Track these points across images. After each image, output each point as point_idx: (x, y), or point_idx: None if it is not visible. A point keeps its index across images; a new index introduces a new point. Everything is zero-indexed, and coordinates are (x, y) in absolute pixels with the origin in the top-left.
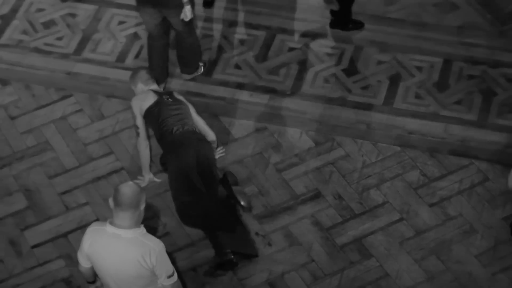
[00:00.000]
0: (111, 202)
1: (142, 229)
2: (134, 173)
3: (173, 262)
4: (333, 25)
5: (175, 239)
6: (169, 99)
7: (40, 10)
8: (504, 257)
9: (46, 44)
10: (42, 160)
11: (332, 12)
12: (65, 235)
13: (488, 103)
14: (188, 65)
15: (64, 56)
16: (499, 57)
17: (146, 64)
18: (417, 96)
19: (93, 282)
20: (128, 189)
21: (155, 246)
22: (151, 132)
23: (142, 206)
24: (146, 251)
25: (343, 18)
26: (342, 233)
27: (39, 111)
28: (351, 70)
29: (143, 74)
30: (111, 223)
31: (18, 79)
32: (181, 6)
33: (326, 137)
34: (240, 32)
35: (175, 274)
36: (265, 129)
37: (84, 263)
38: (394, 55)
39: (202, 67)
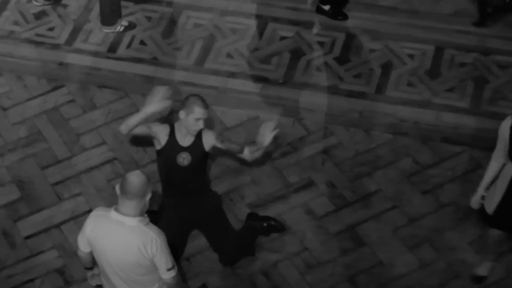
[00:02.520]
0: (117, 189)
1: (146, 219)
2: (127, 163)
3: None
4: (320, 11)
5: None
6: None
7: (31, 1)
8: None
9: (37, 35)
10: (34, 150)
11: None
12: (58, 225)
13: (480, 90)
14: (104, 16)
15: (56, 46)
16: (491, 45)
17: (139, 54)
18: (409, 84)
19: (91, 268)
20: (135, 178)
21: (157, 237)
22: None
23: (148, 196)
24: (148, 240)
25: (337, 7)
26: (335, 221)
27: (31, 101)
28: (343, 58)
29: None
30: (116, 210)
31: (10, 70)
32: None
33: (319, 125)
34: (232, 21)
35: (175, 268)
36: (257, 118)
37: (83, 248)
38: (386, 43)
39: (123, 27)
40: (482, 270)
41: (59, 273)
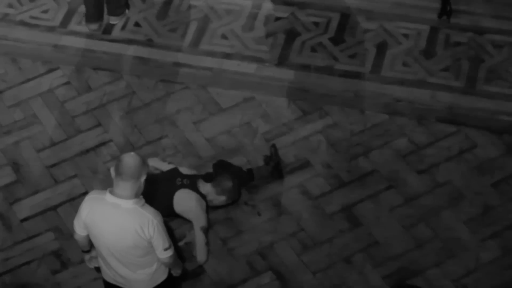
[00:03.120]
0: (112, 171)
1: (142, 200)
2: (122, 144)
3: (170, 235)
4: None
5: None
6: None
7: None
8: (492, 223)
9: (32, 17)
10: (29, 133)
11: None
12: (54, 208)
13: (475, 69)
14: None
15: (50, 29)
16: (486, 24)
17: (134, 36)
18: (405, 64)
19: (88, 251)
20: (130, 159)
21: (154, 218)
22: None
23: (143, 178)
24: (145, 221)
25: None
26: (331, 202)
27: (26, 84)
28: (338, 39)
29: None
30: (111, 192)
31: (4, 52)
32: None
33: (314, 106)
34: (227, 2)
35: (172, 247)
36: (253, 99)
37: (80, 231)
38: (381, 23)
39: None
40: None
41: (55, 255)
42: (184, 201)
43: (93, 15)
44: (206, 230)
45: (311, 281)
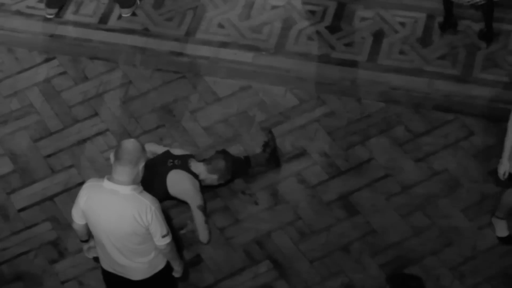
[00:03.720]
0: (111, 156)
1: (140, 187)
2: (119, 134)
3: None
4: None
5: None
6: None
7: None
8: (490, 211)
9: (28, 7)
10: (26, 123)
11: None
12: (51, 198)
13: (472, 58)
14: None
15: (47, 18)
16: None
17: (130, 25)
18: (401, 52)
19: (86, 241)
20: (130, 144)
21: (152, 204)
22: None
23: (141, 165)
24: (143, 208)
25: None
26: (328, 190)
27: (22, 74)
28: (334, 27)
29: None
30: (109, 179)
31: (1, 42)
32: None
33: (311, 94)
34: None
35: (170, 234)
36: (249, 87)
37: (78, 220)
38: (377, 11)
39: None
40: (501, 231)
41: (53, 245)
42: (178, 182)
43: (56, 0)
44: (203, 209)
45: (308, 270)
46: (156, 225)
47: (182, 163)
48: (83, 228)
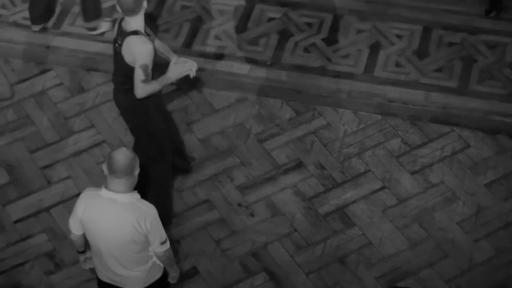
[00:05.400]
0: (104, 168)
1: (137, 194)
2: (115, 145)
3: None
4: None
5: None
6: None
7: None
8: (486, 223)
9: (24, 18)
10: (23, 134)
11: None
12: (47, 209)
13: (468, 70)
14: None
15: (43, 29)
16: (478, 24)
17: None
18: (398, 64)
19: (83, 252)
20: (122, 156)
21: (150, 211)
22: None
23: (136, 172)
24: (142, 215)
25: None
26: (324, 203)
27: (19, 85)
28: (331, 39)
29: None
30: (106, 188)
31: None
32: None
33: (307, 106)
34: (219, 3)
35: (168, 241)
36: (246, 99)
37: (76, 230)
38: (374, 24)
39: (108, 23)
40: None
41: (49, 256)
42: (127, 48)
43: (42, 17)
44: (146, 69)
45: (304, 282)
46: (155, 232)
47: (121, 37)
48: (80, 239)
